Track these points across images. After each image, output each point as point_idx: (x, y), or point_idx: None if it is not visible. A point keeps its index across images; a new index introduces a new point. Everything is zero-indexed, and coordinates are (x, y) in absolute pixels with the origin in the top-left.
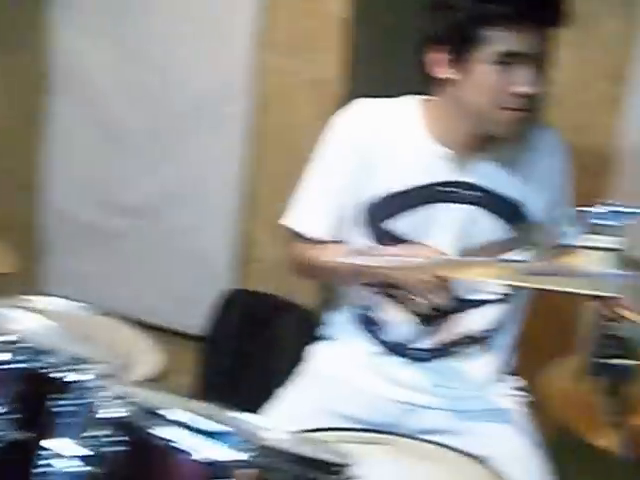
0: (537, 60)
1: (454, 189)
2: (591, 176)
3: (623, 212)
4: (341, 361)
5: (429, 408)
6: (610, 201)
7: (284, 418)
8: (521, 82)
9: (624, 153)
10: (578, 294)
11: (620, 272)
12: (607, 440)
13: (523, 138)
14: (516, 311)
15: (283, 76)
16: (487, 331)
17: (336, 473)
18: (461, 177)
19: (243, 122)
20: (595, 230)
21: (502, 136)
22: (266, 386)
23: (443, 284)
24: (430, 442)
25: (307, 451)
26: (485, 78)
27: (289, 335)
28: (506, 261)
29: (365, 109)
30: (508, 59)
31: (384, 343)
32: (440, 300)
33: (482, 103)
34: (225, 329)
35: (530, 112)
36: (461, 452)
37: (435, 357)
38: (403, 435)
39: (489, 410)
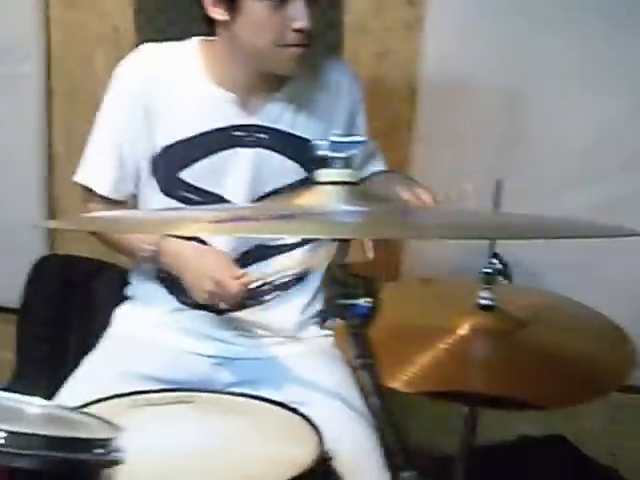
0: None
1: (242, 133)
2: (397, 102)
3: (348, 143)
4: (142, 320)
5: (236, 359)
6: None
7: (87, 385)
8: (296, 17)
9: (426, 78)
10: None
11: (356, 207)
12: (394, 380)
13: (312, 75)
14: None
15: (73, 29)
16: (290, 276)
17: (96, 448)
18: (248, 120)
19: (36, 80)
20: (326, 164)
21: (284, 74)
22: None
23: (225, 292)
24: (239, 394)
25: (64, 430)
26: (257, 15)
27: (106, 298)
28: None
29: (144, 55)
30: None
31: (185, 299)
32: (224, 304)
33: (258, 42)
34: (39, 297)
35: (310, 47)
36: (271, 401)
37: (238, 307)
38: (209, 390)
39: (298, 355)
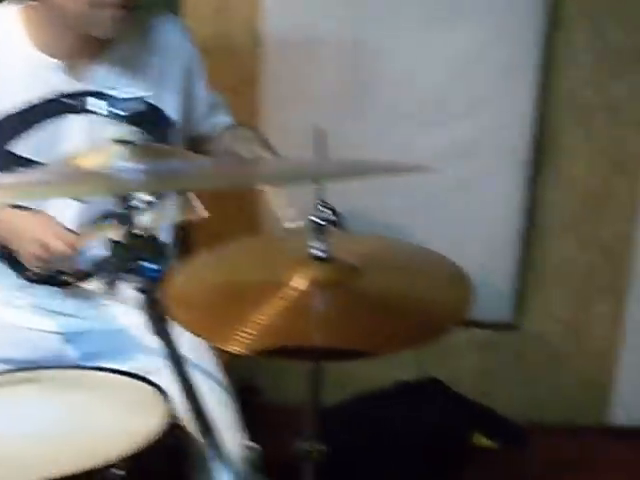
0: None
1: (72, 100)
2: (242, 58)
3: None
4: None
5: (84, 332)
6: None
7: None
8: None
9: (270, 33)
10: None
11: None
12: (228, 342)
13: (140, 35)
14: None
15: None
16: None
17: None
18: (77, 86)
19: None
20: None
21: (104, 36)
22: None
23: (51, 253)
24: (86, 368)
25: None
26: None
27: None
28: None
29: None
30: None
31: (28, 275)
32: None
33: (72, 4)
34: None
35: (128, 8)
36: (119, 372)
37: (82, 278)
38: (55, 367)
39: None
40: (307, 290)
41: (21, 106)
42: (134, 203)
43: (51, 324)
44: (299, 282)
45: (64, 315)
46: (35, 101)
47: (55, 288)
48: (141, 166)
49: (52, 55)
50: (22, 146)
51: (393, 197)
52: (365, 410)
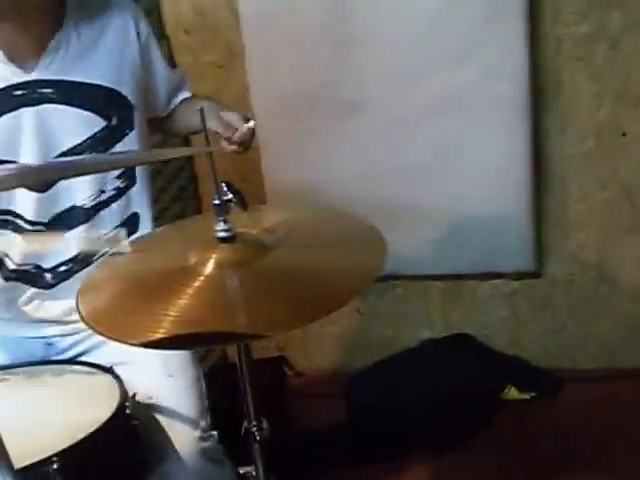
0: None
1: (23, 91)
2: (226, 32)
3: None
4: None
5: (66, 335)
6: None
7: None
8: None
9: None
10: None
11: None
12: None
13: (88, 17)
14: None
15: None
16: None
17: None
18: (27, 76)
19: None
20: None
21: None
22: None
23: None
24: (54, 362)
25: None
26: None
27: None
28: None
29: None
30: None
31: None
32: None
33: None
34: None
35: None
36: (86, 364)
37: (59, 281)
38: (25, 364)
39: None
40: (213, 272)
41: None
42: None
43: (35, 331)
44: (206, 265)
45: (43, 321)
46: None
47: (37, 290)
48: None
49: None
50: None
51: (386, 159)
52: (394, 371)
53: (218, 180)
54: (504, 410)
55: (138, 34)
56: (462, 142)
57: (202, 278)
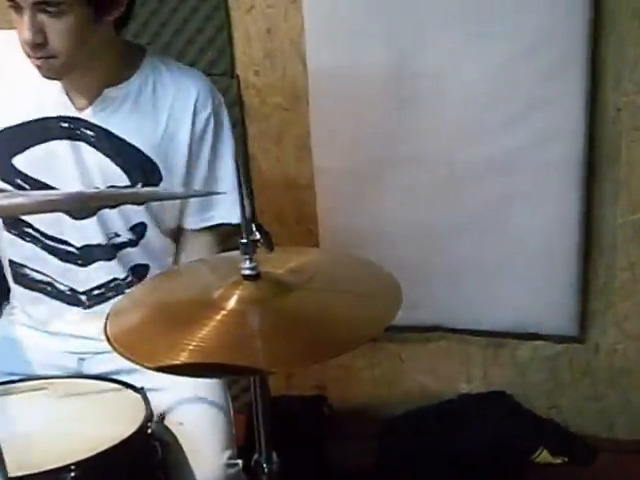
0: (36, 5)
1: (69, 125)
2: (293, 76)
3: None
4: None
5: (102, 353)
6: None
7: None
8: (21, 29)
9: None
10: None
11: None
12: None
13: (159, 89)
14: (158, 241)
15: None
16: (133, 269)
17: None
18: (76, 113)
19: None
20: None
21: (48, 78)
22: None
23: None
24: (89, 377)
25: None
26: (14, 22)
27: None
28: None
29: None
30: (13, 4)
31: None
32: None
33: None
34: None
35: (55, 58)
36: (118, 382)
37: (96, 303)
38: (64, 376)
39: None
40: (236, 309)
41: (19, 122)
42: None
43: (68, 346)
44: (229, 301)
45: (79, 337)
46: (36, 119)
47: (74, 309)
48: None
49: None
50: (23, 161)
51: (437, 214)
52: (429, 421)
53: (248, 220)
54: (534, 472)
55: (193, 123)
56: (513, 204)
57: (224, 312)
